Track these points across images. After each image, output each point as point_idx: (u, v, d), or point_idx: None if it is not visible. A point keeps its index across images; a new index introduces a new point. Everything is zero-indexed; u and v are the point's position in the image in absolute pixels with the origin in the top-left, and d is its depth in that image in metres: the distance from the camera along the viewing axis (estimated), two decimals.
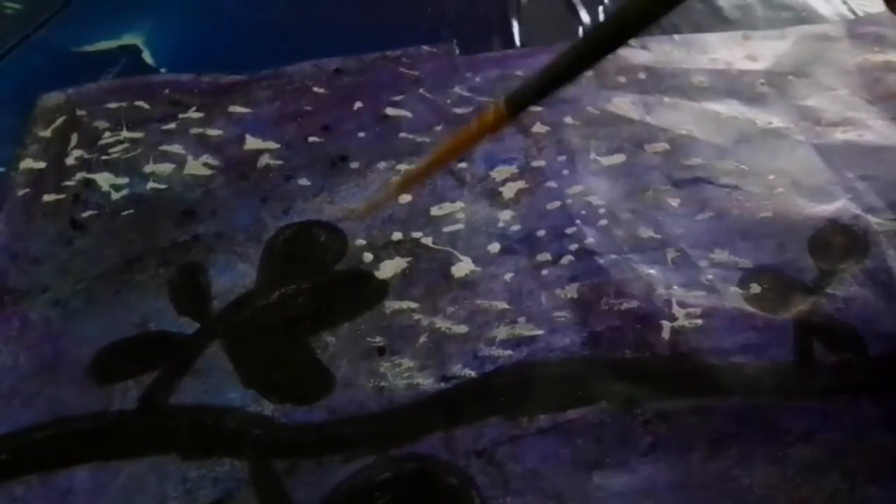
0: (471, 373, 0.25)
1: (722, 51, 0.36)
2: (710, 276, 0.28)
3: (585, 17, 0.39)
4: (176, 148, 0.32)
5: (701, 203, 0.30)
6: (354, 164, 0.32)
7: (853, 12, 0.39)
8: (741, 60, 0.36)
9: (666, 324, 0.26)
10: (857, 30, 0.37)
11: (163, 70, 0.36)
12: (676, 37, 0.37)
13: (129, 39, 0.38)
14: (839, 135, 0.32)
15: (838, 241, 0.28)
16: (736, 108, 0.34)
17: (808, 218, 0.29)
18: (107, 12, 0.40)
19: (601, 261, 0.28)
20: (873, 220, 0.29)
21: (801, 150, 0.32)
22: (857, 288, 0.27)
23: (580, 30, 0.38)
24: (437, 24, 0.38)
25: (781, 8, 0.39)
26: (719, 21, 0.38)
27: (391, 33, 0.38)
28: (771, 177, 0.31)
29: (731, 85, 0.35)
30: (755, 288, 0.27)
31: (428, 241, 0.29)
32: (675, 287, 0.27)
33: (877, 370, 0.25)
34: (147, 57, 0.37)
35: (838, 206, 0.30)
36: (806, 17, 0.39)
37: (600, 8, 0.39)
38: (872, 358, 0.25)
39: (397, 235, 0.29)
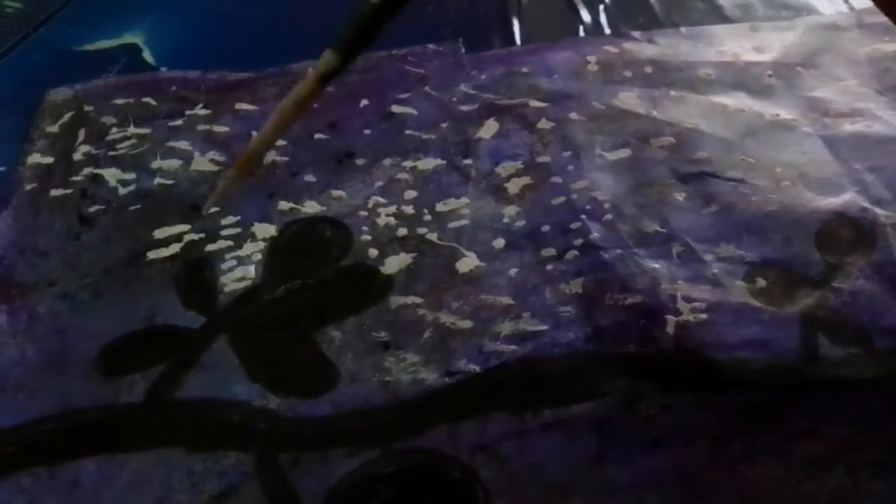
0: (475, 368, 0.25)
1: (729, 43, 0.36)
2: (715, 271, 0.27)
3: (586, 15, 0.39)
4: (183, 144, 0.33)
5: (707, 197, 0.30)
6: (360, 161, 0.32)
7: (854, 10, 0.38)
8: (749, 52, 0.36)
9: (671, 318, 0.26)
10: (867, 19, 0.37)
11: (163, 69, 0.37)
12: (683, 29, 0.37)
13: (129, 38, 0.38)
14: (847, 126, 0.32)
15: (845, 235, 0.28)
16: (743, 101, 0.33)
17: (815, 211, 0.29)
18: (107, 11, 0.40)
19: (606, 255, 0.28)
20: (881, 212, 0.29)
21: (808, 143, 0.32)
22: (863, 281, 0.27)
23: (580, 28, 0.38)
24: (438, 23, 0.38)
25: (782, 7, 0.39)
26: (720, 20, 0.38)
27: (396, 32, 0.38)
28: (778, 170, 0.31)
29: (739, 77, 0.34)
30: (761, 282, 0.27)
31: (433, 236, 0.29)
32: (680, 281, 0.27)
33: (883, 364, 0.25)
34: (147, 56, 0.37)
35: (846, 198, 0.29)
36: (807, 14, 0.38)
37: (601, 7, 0.39)
38: (878, 352, 0.25)
39: (402, 231, 0.29)
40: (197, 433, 0.24)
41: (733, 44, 0.36)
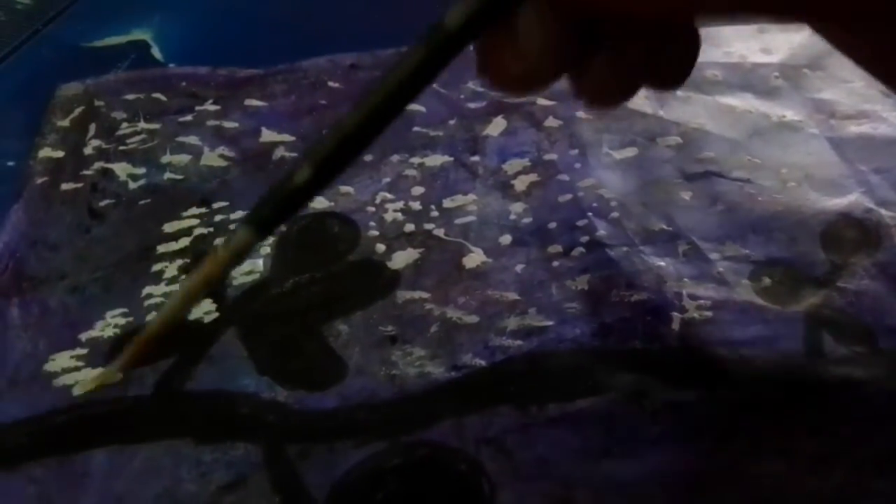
0: (481, 362, 0.26)
1: (736, 43, 0.36)
2: (720, 269, 0.28)
3: None
4: (192, 139, 0.33)
5: (713, 196, 0.30)
6: (368, 157, 0.32)
7: None
8: (756, 53, 0.36)
9: (676, 316, 0.26)
10: None
11: (171, 66, 0.37)
12: None
13: (138, 35, 0.38)
14: (853, 127, 0.32)
15: (850, 235, 0.28)
16: (750, 102, 0.34)
17: (821, 211, 0.29)
18: (115, 8, 0.40)
19: (612, 253, 0.28)
20: (886, 213, 0.29)
21: (814, 144, 0.32)
22: (868, 281, 0.27)
23: None
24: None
25: None
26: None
27: (405, 29, 0.38)
28: (784, 170, 0.31)
29: (746, 78, 0.35)
30: (766, 281, 0.27)
31: (440, 232, 0.29)
32: (685, 279, 0.27)
33: (887, 363, 0.25)
34: (156, 52, 0.37)
35: (851, 199, 0.29)
36: None
37: None
38: (883, 351, 0.25)
39: (409, 227, 0.29)
40: (205, 425, 0.24)
41: (740, 45, 0.36)
